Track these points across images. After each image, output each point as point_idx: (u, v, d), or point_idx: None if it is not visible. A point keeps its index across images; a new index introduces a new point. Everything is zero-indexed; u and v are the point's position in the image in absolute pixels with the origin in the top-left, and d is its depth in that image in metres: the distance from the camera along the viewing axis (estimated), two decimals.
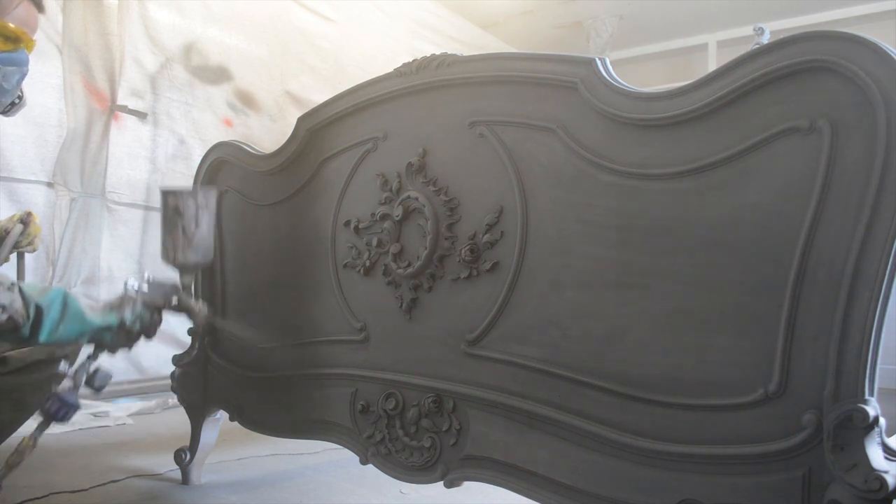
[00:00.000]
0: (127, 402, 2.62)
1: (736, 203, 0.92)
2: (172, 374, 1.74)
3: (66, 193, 2.66)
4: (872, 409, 0.80)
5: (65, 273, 2.63)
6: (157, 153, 2.96)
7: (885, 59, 0.81)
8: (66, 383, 1.29)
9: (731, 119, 0.93)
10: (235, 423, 1.65)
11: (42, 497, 1.53)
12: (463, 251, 1.21)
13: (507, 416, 1.14)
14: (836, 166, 0.84)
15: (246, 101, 3.31)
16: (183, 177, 2.86)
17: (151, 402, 2.62)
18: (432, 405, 1.24)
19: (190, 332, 1.75)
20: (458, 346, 1.22)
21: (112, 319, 1.28)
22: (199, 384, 1.71)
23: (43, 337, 1.17)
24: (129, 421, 2.40)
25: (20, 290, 1.13)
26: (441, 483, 1.23)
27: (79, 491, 1.60)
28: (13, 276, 1.49)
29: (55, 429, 2.10)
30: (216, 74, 3.17)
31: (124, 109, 2.83)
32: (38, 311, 1.15)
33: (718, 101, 0.93)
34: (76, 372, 1.31)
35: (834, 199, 0.84)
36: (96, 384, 1.33)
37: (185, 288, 1.42)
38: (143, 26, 2.88)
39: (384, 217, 1.35)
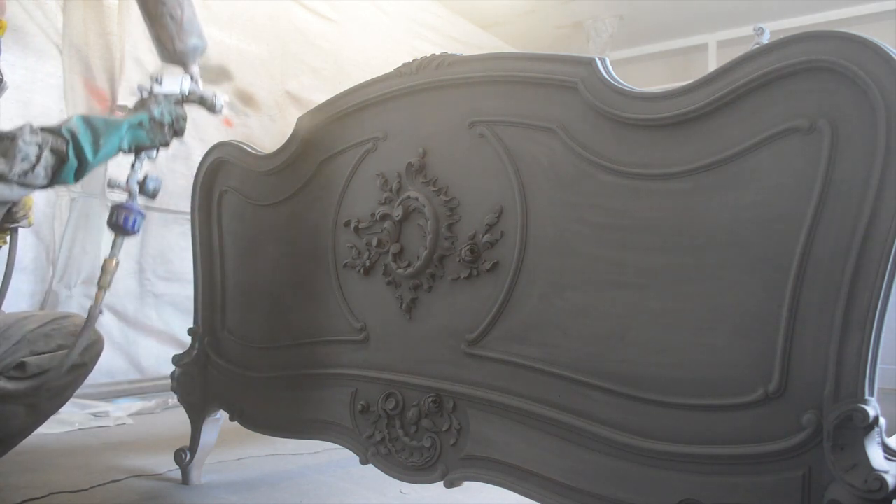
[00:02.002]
0: (127, 402, 2.62)
1: (736, 203, 0.92)
2: (172, 374, 1.74)
3: (66, 193, 2.66)
4: (872, 409, 0.80)
5: (65, 273, 2.63)
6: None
7: (885, 59, 0.81)
8: (122, 198, 1.30)
9: (731, 119, 0.93)
10: (235, 423, 1.65)
11: (42, 497, 1.53)
12: (463, 251, 1.21)
13: (507, 416, 1.14)
14: (836, 166, 0.84)
15: (246, 101, 3.31)
16: (183, 177, 2.86)
17: (151, 402, 2.62)
18: (432, 405, 1.24)
19: (190, 331, 1.75)
20: (458, 346, 1.22)
21: (141, 115, 1.29)
22: (199, 384, 1.70)
23: (90, 155, 1.18)
24: (129, 421, 2.40)
25: (43, 128, 1.13)
26: (441, 483, 1.23)
27: (79, 491, 1.59)
28: (6, 258, 1.49)
29: (55, 429, 2.11)
30: (216, 74, 3.16)
31: (125, 109, 2.81)
32: (72, 133, 1.16)
33: (718, 101, 0.93)
34: (128, 182, 1.33)
35: (834, 198, 0.84)
36: (150, 190, 1.35)
37: (195, 78, 1.40)
38: (143, 26, 2.88)
39: (384, 217, 1.35)
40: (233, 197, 1.68)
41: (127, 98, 2.82)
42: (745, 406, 0.89)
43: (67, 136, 1.15)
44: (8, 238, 1.51)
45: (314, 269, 1.49)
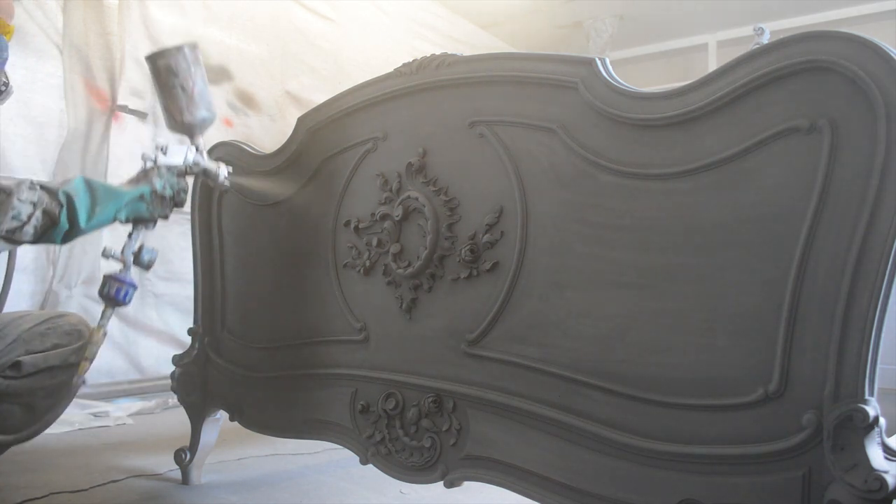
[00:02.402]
0: (127, 402, 2.62)
1: (736, 203, 0.92)
2: (172, 374, 1.74)
3: None
4: (872, 409, 0.80)
5: (65, 273, 2.63)
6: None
7: (886, 59, 0.81)
8: (116, 268, 1.29)
9: (731, 119, 0.93)
10: (235, 423, 1.65)
11: (42, 497, 1.53)
12: (463, 251, 1.21)
13: (507, 416, 1.14)
14: (836, 166, 0.84)
15: (246, 101, 3.31)
16: None
17: (151, 402, 2.62)
18: (432, 405, 1.24)
19: (190, 331, 1.75)
20: (458, 346, 1.22)
21: (143, 188, 1.28)
22: (199, 384, 1.71)
23: (83, 222, 1.16)
24: (129, 421, 2.40)
25: (42, 186, 1.12)
26: (441, 483, 1.23)
27: (79, 491, 1.59)
28: (4, 264, 1.49)
29: (55, 429, 2.10)
30: (216, 74, 3.16)
31: (125, 109, 2.82)
32: (68, 197, 1.14)
33: (718, 101, 0.93)
34: (123, 252, 1.31)
35: (834, 198, 0.84)
36: (145, 261, 1.34)
37: (200, 150, 1.40)
38: (143, 26, 2.88)
39: (384, 217, 1.35)
40: (233, 197, 1.68)
41: (127, 98, 2.83)
42: (745, 406, 0.89)
43: (63, 199, 1.14)
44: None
45: (314, 269, 1.49)
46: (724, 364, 0.92)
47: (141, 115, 2.90)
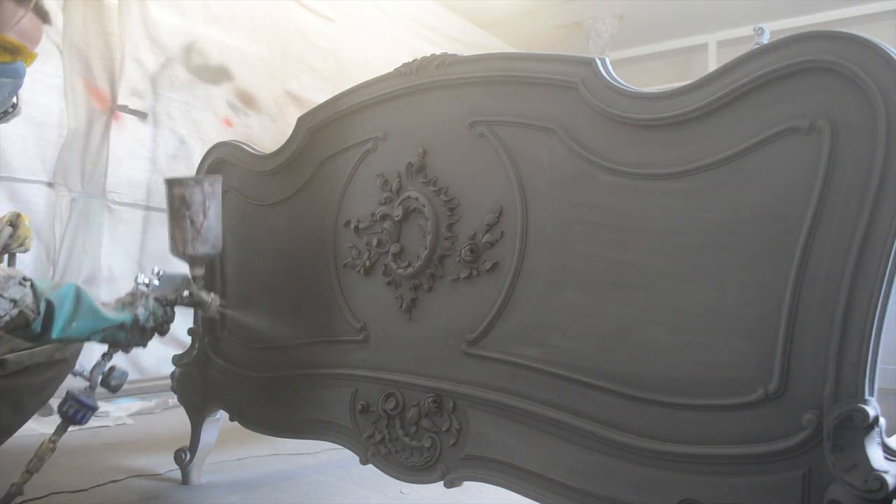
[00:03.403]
0: (127, 402, 2.62)
1: (736, 203, 0.92)
2: (172, 374, 1.74)
3: (66, 193, 2.66)
4: (872, 409, 0.80)
5: (65, 273, 2.63)
6: (157, 153, 2.95)
7: (885, 59, 0.81)
8: (82, 385, 1.28)
9: (731, 119, 0.93)
10: (235, 423, 1.65)
11: (42, 497, 1.53)
12: (463, 251, 1.21)
13: (507, 416, 1.14)
14: (836, 166, 0.84)
15: (246, 101, 3.31)
16: None
17: (151, 402, 2.62)
18: (432, 405, 1.24)
19: (190, 331, 1.75)
20: (458, 346, 1.22)
21: (126, 316, 1.26)
22: (199, 384, 1.71)
23: (55, 333, 1.15)
24: (129, 421, 2.40)
25: (32, 286, 1.12)
26: (441, 483, 1.23)
27: (79, 491, 1.59)
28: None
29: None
30: (216, 74, 3.16)
31: (125, 109, 2.82)
32: (50, 306, 1.13)
33: (718, 101, 0.93)
34: (92, 372, 1.30)
35: (834, 199, 0.84)
36: (112, 384, 1.32)
37: (196, 280, 1.40)
38: (143, 26, 2.88)
39: (384, 217, 1.35)
40: (233, 197, 1.68)
41: (127, 98, 2.83)
42: (745, 406, 0.89)
43: (43, 309, 1.12)
44: (6, 257, 1.52)
45: (314, 269, 1.49)
46: (724, 364, 0.91)
47: (141, 115, 2.89)
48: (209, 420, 1.71)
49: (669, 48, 4.88)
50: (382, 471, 1.33)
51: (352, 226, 1.41)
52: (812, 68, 0.86)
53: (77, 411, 1.27)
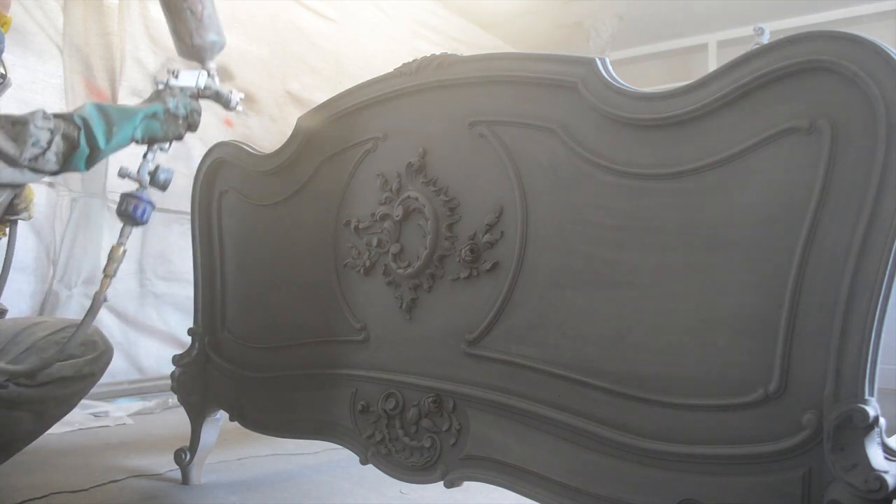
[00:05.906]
0: (127, 402, 2.62)
1: (736, 203, 0.92)
2: (172, 374, 1.74)
3: (66, 193, 2.66)
4: (872, 409, 0.80)
5: (65, 273, 2.64)
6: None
7: (886, 59, 0.81)
8: (132, 186, 1.29)
9: (731, 119, 0.93)
10: (235, 423, 1.65)
11: (42, 497, 1.53)
12: (463, 251, 1.21)
13: (507, 416, 1.14)
14: (836, 166, 0.84)
15: (246, 101, 3.31)
16: (183, 177, 2.86)
17: (151, 402, 2.62)
18: (432, 405, 1.24)
19: (190, 331, 1.75)
20: (458, 346, 1.22)
21: (157, 107, 1.28)
22: (199, 384, 1.71)
23: (102, 143, 1.16)
24: (129, 421, 2.40)
25: (55, 114, 1.12)
26: (441, 483, 1.23)
27: (79, 491, 1.59)
28: (3, 249, 1.49)
29: (55, 428, 2.10)
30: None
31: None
32: (84, 121, 1.15)
33: (718, 101, 0.93)
34: (139, 172, 1.32)
35: (834, 198, 0.84)
36: (161, 181, 1.34)
37: (211, 74, 1.40)
38: (143, 26, 2.88)
39: (384, 217, 1.35)
40: (233, 197, 1.68)
41: (127, 98, 2.83)
42: (744, 406, 0.89)
43: (79, 123, 1.14)
44: (7, 230, 1.51)
45: (314, 269, 1.49)
46: (724, 364, 0.91)
47: None
48: (209, 420, 1.71)
49: (669, 48, 4.88)
50: (382, 471, 1.33)
51: (352, 226, 1.41)
52: (812, 68, 0.86)
53: (136, 206, 1.28)
